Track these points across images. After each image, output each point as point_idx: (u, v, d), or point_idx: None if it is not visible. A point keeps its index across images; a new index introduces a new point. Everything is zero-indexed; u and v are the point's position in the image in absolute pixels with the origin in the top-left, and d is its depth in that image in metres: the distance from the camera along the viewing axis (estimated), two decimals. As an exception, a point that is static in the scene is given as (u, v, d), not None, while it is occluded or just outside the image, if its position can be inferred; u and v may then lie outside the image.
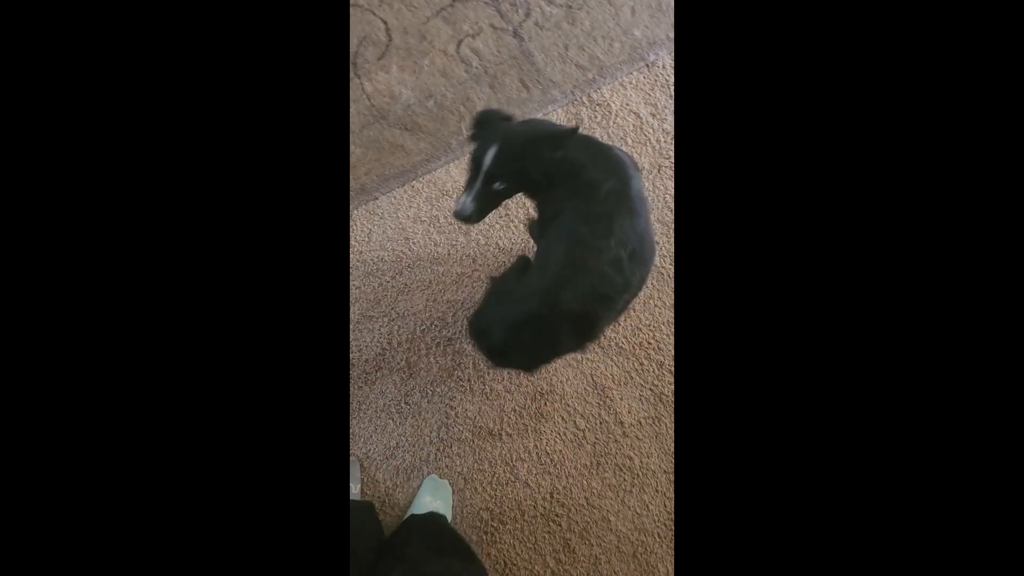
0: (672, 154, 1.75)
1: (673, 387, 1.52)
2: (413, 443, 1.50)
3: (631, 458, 1.49)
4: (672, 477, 1.48)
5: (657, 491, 1.48)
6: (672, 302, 1.59)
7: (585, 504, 1.46)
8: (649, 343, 1.57)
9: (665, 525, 1.45)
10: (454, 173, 1.73)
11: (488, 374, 1.54)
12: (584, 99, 1.83)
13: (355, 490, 1.44)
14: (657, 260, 1.61)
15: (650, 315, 1.59)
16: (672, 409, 1.52)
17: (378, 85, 1.80)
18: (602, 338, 1.56)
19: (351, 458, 1.47)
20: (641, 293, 1.57)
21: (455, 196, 1.72)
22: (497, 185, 1.09)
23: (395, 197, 1.72)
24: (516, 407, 1.52)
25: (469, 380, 1.54)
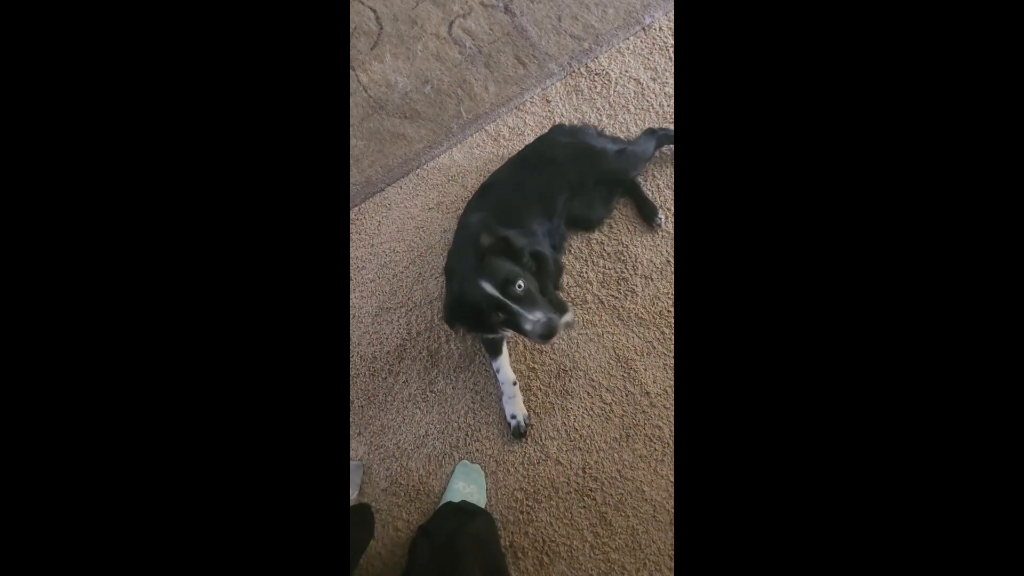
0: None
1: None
2: (442, 430, 1.50)
3: (660, 427, 1.47)
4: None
5: (689, 458, 1.45)
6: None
7: (618, 476, 1.44)
8: (669, 311, 1.54)
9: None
10: (458, 157, 1.71)
11: (510, 355, 1.53)
12: (582, 70, 1.80)
13: (353, 496, 1.44)
14: (669, 225, 1.60)
15: (667, 283, 1.56)
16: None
17: (373, 75, 1.78)
18: (621, 310, 1.55)
19: (354, 464, 1.47)
20: (657, 260, 1.57)
21: (461, 183, 1.71)
22: (519, 286, 1.13)
23: (402, 187, 1.70)
24: (541, 386, 1.51)
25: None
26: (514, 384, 1.47)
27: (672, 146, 1.65)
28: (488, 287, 1.10)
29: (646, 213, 1.60)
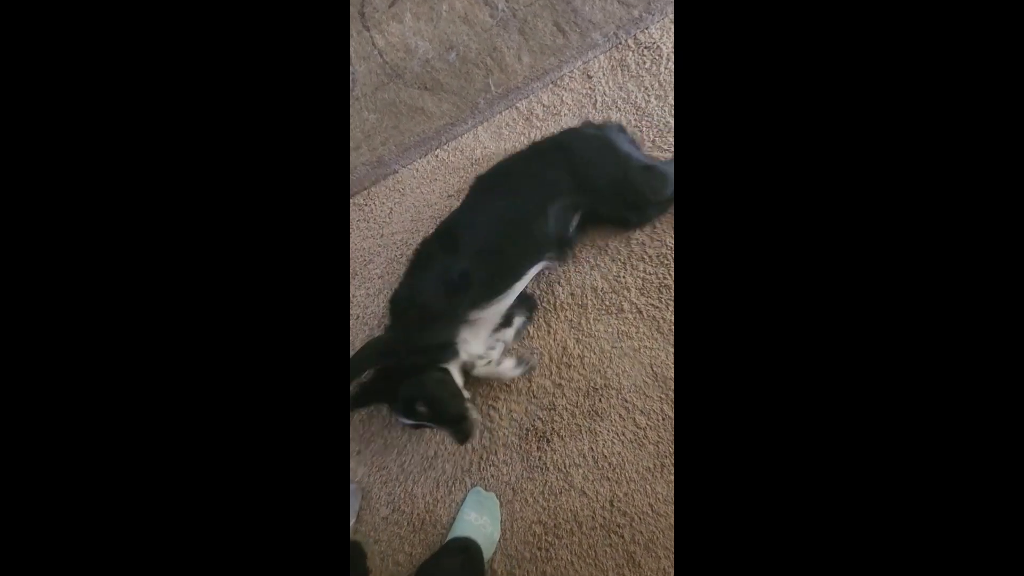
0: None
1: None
2: (453, 451, 1.36)
3: (701, 459, 1.31)
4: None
5: (733, 496, 1.30)
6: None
7: (650, 512, 1.30)
8: (717, 326, 1.36)
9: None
10: (484, 137, 1.54)
11: (535, 369, 1.39)
12: (630, 41, 1.60)
13: (351, 523, 1.35)
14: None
15: (717, 294, 1.38)
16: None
17: (391, 38, 1.60)
18: (662, 321, 1.37)
19: (352, 487, 1.38)
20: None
21: (487, 168, 1.52)
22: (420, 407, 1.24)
23: (418, 169, 1.55)
24: (568, 405, 1.36)
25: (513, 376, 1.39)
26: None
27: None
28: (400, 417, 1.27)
29: None
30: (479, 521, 1.27)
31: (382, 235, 1.50)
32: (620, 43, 1.59)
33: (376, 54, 1.58)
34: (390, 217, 1.51)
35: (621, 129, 1.44)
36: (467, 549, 1.18)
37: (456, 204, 1.49)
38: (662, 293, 1.40)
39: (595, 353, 1.39)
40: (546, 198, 1.32)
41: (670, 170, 1.36)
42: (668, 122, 1.48)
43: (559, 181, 1.33)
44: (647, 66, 1.56)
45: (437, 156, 1.55)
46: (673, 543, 1.27)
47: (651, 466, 1.32)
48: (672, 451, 1.33)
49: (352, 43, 1.56)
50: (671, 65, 1.54)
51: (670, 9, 1.58)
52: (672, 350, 1.36)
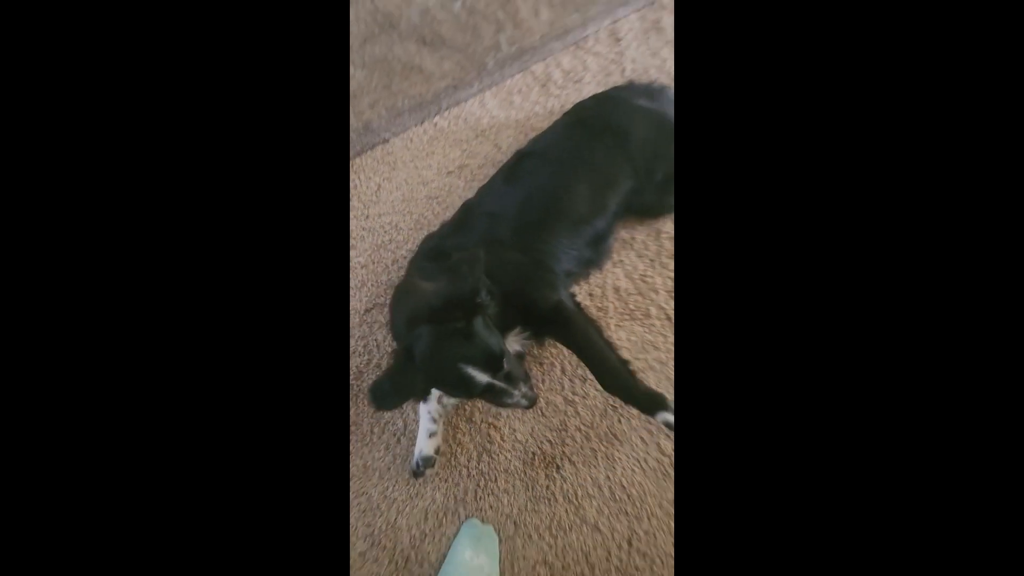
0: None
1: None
2: (445, 476, 1.25)
3: (733, 492, 1.17)
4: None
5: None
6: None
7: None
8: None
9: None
10: (491, 105, 1.44)
11: (544, 382, 1.26)
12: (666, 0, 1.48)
13: None
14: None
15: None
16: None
17: (384, -20, 1.45)
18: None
19: None
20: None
21: (494, 140, 1.40)
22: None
23: (413, 139, 1.42)
24: (581, 425, 1.25)
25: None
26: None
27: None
28: (475, 373, 1.04)
29: None
30: (475, 561, 1.16)
31: (367, 216, 1.36)
32: (655, 1, 1.45)
33: None
34: (377, 195, 1.37)
35: (670, 92, 1.34)
36: None
37: (458, 183, 1.35)
38: (695, 297, 1.25)
39: (615, 365, 1.29)
40: (606, 195, 1.24)
41: None
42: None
43: (619, 174, 1.25)
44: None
45: (435, 124, 1.42)
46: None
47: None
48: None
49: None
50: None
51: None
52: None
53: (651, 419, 1.18)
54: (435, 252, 1.21)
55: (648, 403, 1.13)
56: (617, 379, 1.15)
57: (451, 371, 1.03)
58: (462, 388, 1.06)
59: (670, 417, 1.11)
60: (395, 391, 1.07)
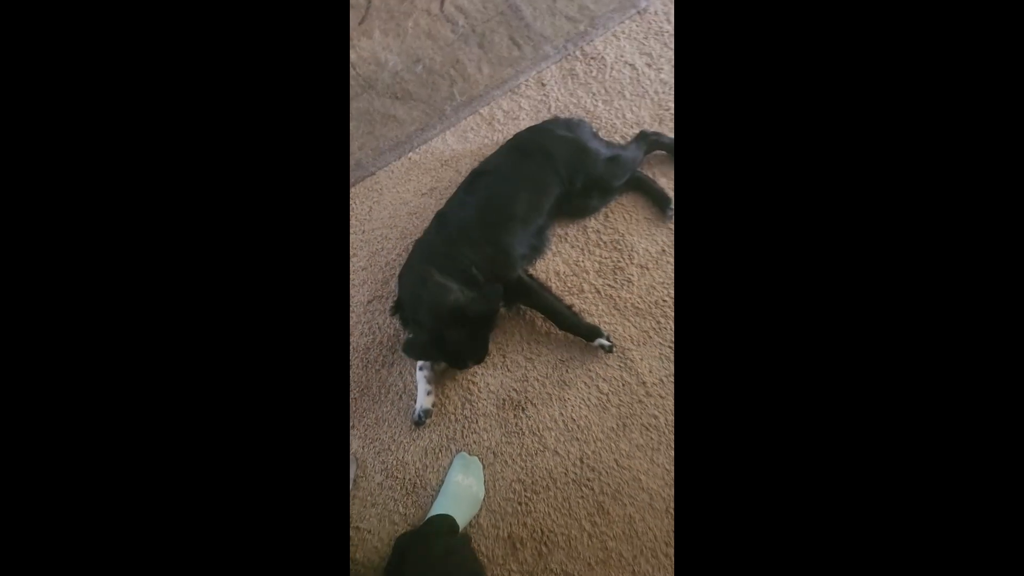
0: (672, 105, 1.69)
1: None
2: (438, 422, 1.46)
3: (656, 416, 1.46)
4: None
5: (686, 446, 1.46)
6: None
7: (615, 466, 1.43)
8: (664, 301, 1.53)
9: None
10: (451, 141, 1.64)
11: (507, 345, 1.50)
12: (577, 53, 1.75)
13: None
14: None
15: (663, 273, 1.55)
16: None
17: (362, 52, 1.71)
18: (618, 299, 1.53)
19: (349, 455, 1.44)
20: (653, 250, 1.56)
21: (455, 167, 1.65)
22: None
23: (393, 171, 1.63)
24: (539, 376, 1.48)
25: (489, 353, 1.50)
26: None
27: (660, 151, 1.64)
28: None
29: (660, 203, 1.59)
30: (466, 482, 1.37)
31: (363, 231, 1.58)
32: (569, 54, 1.73)
33: (350, 67, 1.69)
34: (370, 215, 1.59)
35: (584, 124, 1.60)
36: (438, 533, 1.27)
37: (430, 201, 1.60)
38: (616, 275, 1.54)
39: (558, 330, 1.51)
40: (542, 199, 1.49)
41: (627, 155, 1.55)
42: (614, 123, 1.65)
43: (550, 183, 1.49)
44: (593, 74, 1.72)
45: (410, 159, 1.63)
46: (635, 494, 1.42)
47: (614, 426, 1.45)
48: (632, 413, 1.48)
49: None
50: (614, 73, 1.72)
51: (612, 24, 1.76)
52: (628, 323, 1.53)
53: (590, 343, 1.45)
54: (431, 248, 1.46)
55: (589, 333, 1.44)
56: (568, 320, 1.45)
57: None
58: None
59: (605, 342, 1.44)
60: (423, 353, 1.39)
